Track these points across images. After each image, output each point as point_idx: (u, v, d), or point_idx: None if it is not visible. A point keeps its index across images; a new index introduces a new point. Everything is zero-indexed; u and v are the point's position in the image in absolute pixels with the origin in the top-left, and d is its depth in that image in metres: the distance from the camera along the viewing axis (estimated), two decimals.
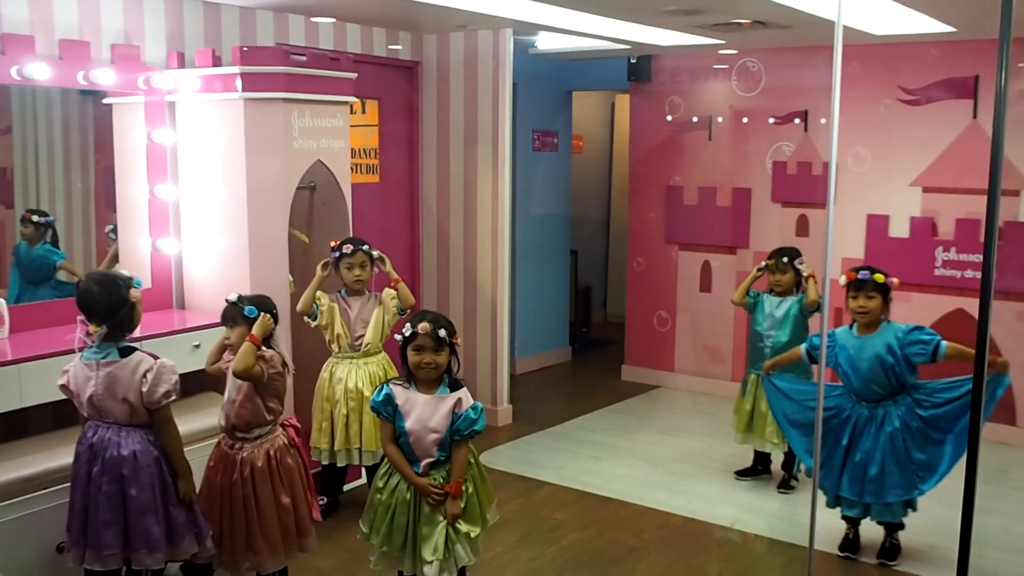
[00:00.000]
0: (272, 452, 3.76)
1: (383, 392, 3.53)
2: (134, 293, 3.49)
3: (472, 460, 3.61)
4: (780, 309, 5.21)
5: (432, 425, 3.45)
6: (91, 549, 3.45)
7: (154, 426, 3.52)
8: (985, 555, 4.55)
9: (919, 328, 4.33)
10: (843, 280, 4.36)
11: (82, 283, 3.50)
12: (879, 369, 4.30)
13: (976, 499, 4.89)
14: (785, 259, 5.20)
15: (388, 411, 3.51)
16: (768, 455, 5.50)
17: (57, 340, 3.95)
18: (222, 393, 4.66)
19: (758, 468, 5.55)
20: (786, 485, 5.36)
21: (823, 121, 6.73)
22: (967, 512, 2.44)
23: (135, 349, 3.53)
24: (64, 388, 3.54)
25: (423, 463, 3.48)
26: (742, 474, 5.54)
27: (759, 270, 5.29)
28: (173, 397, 3.49)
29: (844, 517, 4.56)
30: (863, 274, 4.32)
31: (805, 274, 5.15)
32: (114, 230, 5.00)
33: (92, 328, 3.45)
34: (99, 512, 3.43)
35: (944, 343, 4.25)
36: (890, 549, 4.50)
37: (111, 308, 3.44)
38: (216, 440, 3.91)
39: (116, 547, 3.44)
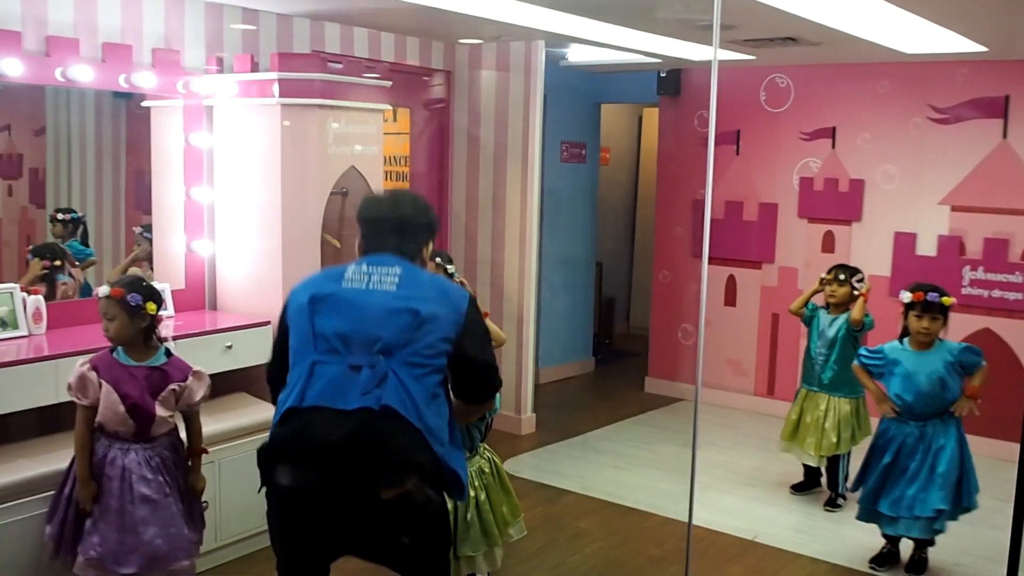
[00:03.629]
0: None
1: None
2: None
3: (490, 468, 3.63)
4: (832, 328, 5.22)
5: None
6: None
7: None
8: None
9: (970, 347, 4.42)
10: (908, 298, 4.35)
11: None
12: (937, 385, 4.32)
13: (1001, 518, 4.90)
14: (843, 275, 5.21)
15: None
16: (817, 471, 5.51)
17: (89, 337, 4.02)
18: (253, 394, 4.75)
19: (808, 483, 5.58)
20: (832, 503, 5.32)
21: (860, 141, 6.75)
22: (1016, 537, 2.43)
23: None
24: None
25: None
26: (797, 488, 5.57)
27: (821, 282, 5.30)
28: (69, 396, 3.46)
29: (884, 535, 4.57)
30: (932, 296, 4.32)
31: (858, 292, 5.16)
32: (147, 229, 5.06)
33: None
34: None
35: (983, 365, 4.36)
36: (918, 563, 4.52)
37: None
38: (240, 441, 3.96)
39: None
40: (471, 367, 2.82)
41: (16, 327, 4.15)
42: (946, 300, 4.33)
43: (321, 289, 2.76)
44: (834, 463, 5.31)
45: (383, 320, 2.65)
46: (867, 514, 4.53)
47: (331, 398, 2.62)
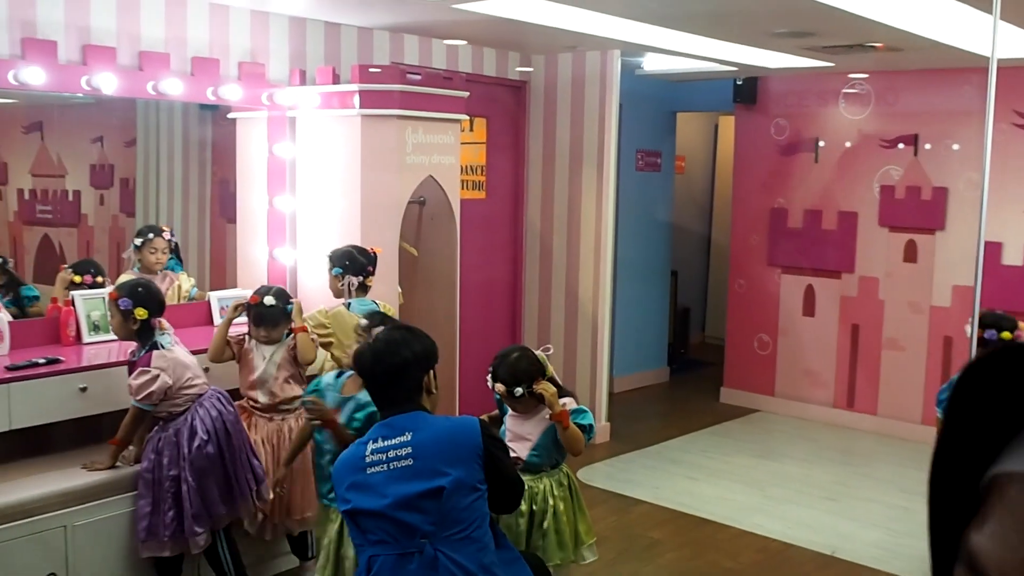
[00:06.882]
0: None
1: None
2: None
3: (567, 483, 3.61)
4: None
5: (523, 433, 3.51)
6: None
7: None
8: None
9: None
10: (968, 332, 3.96)
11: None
12: None
13: None
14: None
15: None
16: None
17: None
18: None
19: None
20: None
21: (927, 147, 6.64)
22: None
23: None
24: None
25: None
26: None
27: None
28: None
29: None
30: (989, 334, 4.12)
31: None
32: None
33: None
34: None
35: None
36: None
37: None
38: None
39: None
40: (503, 486, 2.86)
41: None
42: (1005, 335, 4.09)
43: (355, 479, 2.77)
44: None
45: (415, 507, 2.68)
46: None
47: None
